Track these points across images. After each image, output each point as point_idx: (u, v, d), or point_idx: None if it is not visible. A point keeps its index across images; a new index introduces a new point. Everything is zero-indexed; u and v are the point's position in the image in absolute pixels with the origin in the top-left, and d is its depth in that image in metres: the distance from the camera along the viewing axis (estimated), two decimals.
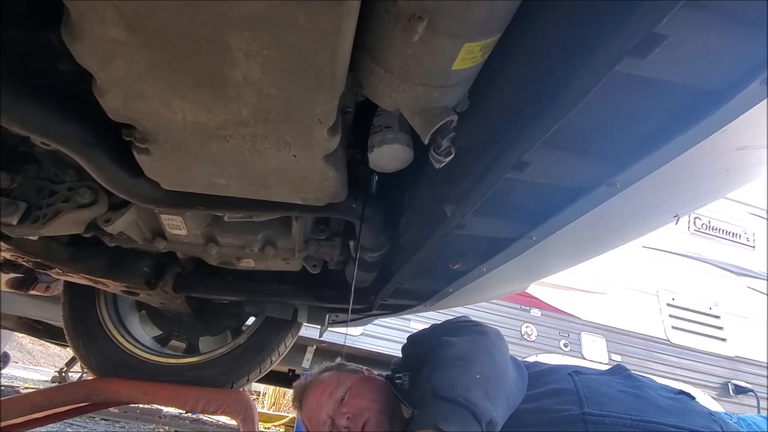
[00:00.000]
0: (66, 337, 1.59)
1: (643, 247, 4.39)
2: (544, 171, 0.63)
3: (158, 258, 1.26)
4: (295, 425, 3.85)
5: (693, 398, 0.91)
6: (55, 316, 2.41)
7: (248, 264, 1.16)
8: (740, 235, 4.61)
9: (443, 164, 0.58)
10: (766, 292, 4.48)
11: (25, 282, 1.76)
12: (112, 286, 1.27)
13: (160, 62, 0.49)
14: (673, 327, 4.09)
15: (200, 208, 0.84)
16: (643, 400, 0.85)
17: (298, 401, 1.10)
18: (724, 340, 4.18)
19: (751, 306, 4.46)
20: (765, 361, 4.22)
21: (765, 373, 4.19)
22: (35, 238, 1.05)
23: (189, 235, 1.02)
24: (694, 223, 4.58)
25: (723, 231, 4.59)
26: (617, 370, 1.00)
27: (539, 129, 0.52)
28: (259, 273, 1.28)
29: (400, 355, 1.22)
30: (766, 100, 0.48)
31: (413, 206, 0.92)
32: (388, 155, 0.75)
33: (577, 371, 0.94)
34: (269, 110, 0.56)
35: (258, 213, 0.89)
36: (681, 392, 0.93)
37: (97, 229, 0.97)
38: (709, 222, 4.55)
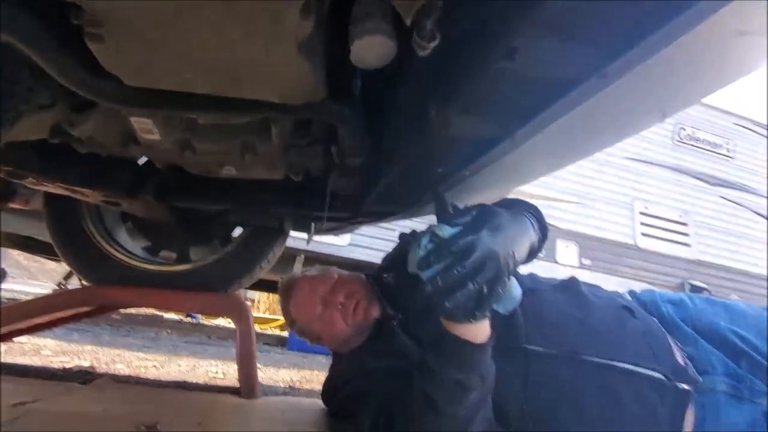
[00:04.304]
0: (57, 252, 1.60)
1: (626, 158, 4.45)
2: (534, 60, 0.59)
3: (138, 167, 1.23)
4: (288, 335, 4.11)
5: (633, 313, 0.98)
6: (43, 233, 2.41)
7: (230, 172, 1.14)
8: (721, 146, 4.69)
9: (428, 51, 0.54)
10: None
11: (3, 195, 1.72)
12: (92, 196, 1.25)
13: None
14: (643, 234, 4.34)
15: (168, 108, 0.79)
16: (585, 327, 0.92)
17: (286, 291, 1.20)
18: (688, 245, 4.49)
19: (720, 214, 4.72)
20: (723, 263, 4.59)
21: (721, 274, 4.59)
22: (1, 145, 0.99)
23: (163, 140, 0.98)
24: (679, 134, 4.61)
25: (705, 141, 4.66)
26: (569, 286, 1.05)
27: (529, 8, 0.48)
28: (242, 182, 1.27)
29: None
30: None
31: (398, 107, 0.88)
32: (368, 47, 0.69)
33: (532, 289, 0.95)
34: None
35: (232, 113, 0.84)
36: (623, 307, 0.99)
37: (64, 133, 0.92)
38: (693, 133, 4.59)
